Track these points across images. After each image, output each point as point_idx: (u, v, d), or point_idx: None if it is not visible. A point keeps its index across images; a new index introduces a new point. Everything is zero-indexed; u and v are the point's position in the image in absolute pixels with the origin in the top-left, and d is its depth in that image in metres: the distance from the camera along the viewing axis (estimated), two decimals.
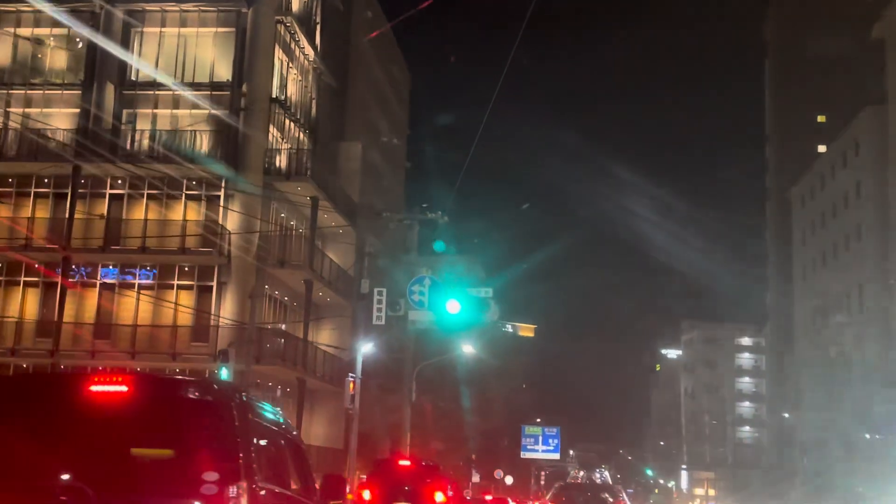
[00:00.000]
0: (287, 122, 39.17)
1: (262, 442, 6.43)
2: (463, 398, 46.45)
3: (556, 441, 60.97)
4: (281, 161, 37.84)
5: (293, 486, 7.10)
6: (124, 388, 6.00)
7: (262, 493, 6.03)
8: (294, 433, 7.78)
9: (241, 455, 5.88)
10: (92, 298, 35.83)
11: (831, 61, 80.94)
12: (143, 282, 35.76)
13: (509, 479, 58.92)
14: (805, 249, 68.52)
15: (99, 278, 35.87)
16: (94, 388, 6.02)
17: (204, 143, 35.94)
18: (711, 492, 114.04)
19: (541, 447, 60.55)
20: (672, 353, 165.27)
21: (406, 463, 22.55)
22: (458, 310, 21.59)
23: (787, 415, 72.67)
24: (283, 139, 38.68)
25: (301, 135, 40.70)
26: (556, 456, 64.41)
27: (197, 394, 6.13)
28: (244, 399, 6.37)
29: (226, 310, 34.82)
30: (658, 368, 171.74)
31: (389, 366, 37.96)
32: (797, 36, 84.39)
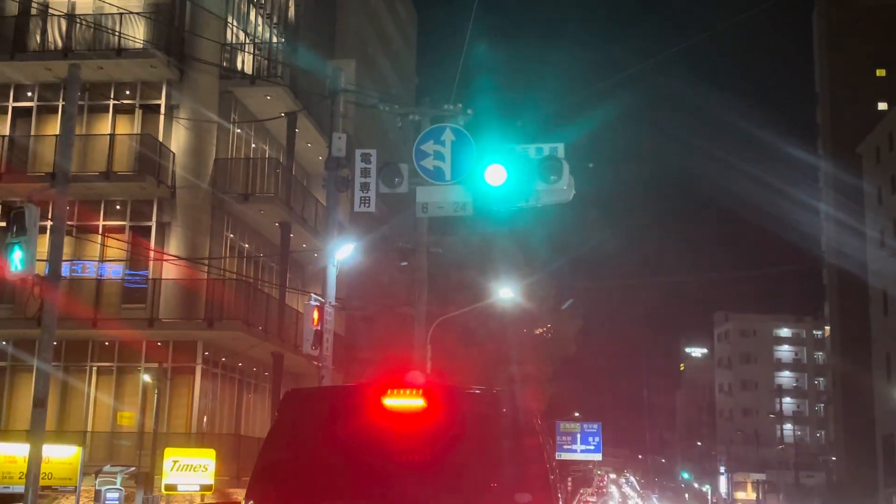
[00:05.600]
0: (254, 14, 29.72)
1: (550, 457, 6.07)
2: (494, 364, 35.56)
3: (597, 439, 51.14)
4: (245, 61, 28.42)
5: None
6: (421, 402, 5.56)
7: None
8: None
9: (550, 479, 5.59)
10: None
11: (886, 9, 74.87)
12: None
13: None
14: (883, 209, 58.46)
15: None
16: (387, 400, 5.55)
17: (139, 35, 26.62)
18: (752, 495, 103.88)
19: (579, 447, 50.73)
20: (697, 352, 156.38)
21: None
22: (504, 179, 12.14)
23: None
24: (247, 37, 29.24)
25: (273, 36, 31.27)
26: (598, 456, 54.64)
27: (501, 408, 5.73)
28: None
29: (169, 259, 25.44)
30: (682, 368, 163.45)
31: (390, 323, 28.04)
32: None
